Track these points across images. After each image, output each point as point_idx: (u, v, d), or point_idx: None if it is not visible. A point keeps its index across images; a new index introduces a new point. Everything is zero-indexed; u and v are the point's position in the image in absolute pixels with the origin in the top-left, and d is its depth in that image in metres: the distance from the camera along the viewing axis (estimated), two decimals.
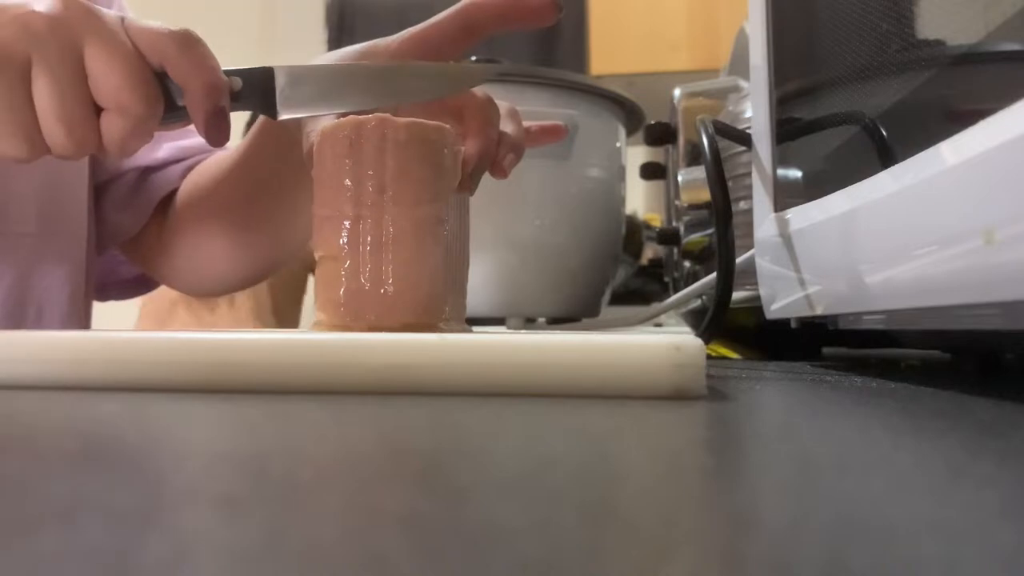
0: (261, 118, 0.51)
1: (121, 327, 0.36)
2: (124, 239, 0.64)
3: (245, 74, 0.41)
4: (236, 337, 0.29)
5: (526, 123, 0.48)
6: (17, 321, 0.57)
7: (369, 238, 0.36)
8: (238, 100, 0.41)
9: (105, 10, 0.39)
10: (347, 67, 0.43)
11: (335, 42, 2.68)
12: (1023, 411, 0.24)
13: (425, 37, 0.45)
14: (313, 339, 0.29)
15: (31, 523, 0.12)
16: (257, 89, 0.41)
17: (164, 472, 0.15)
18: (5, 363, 0.30)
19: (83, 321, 0.64)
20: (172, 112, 0.40)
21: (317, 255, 0.38)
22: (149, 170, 0.62)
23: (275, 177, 0.54)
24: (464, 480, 0.15)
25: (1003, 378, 0.37)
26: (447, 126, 0.39)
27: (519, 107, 0.69)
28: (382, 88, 0.42)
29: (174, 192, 0.62)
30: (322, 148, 0.38)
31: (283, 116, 0.42)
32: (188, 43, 0.40)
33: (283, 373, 0.29)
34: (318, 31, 2.73)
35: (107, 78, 0.38)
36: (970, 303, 0.23)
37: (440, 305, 0.37)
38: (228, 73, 0.41)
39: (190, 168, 0.62)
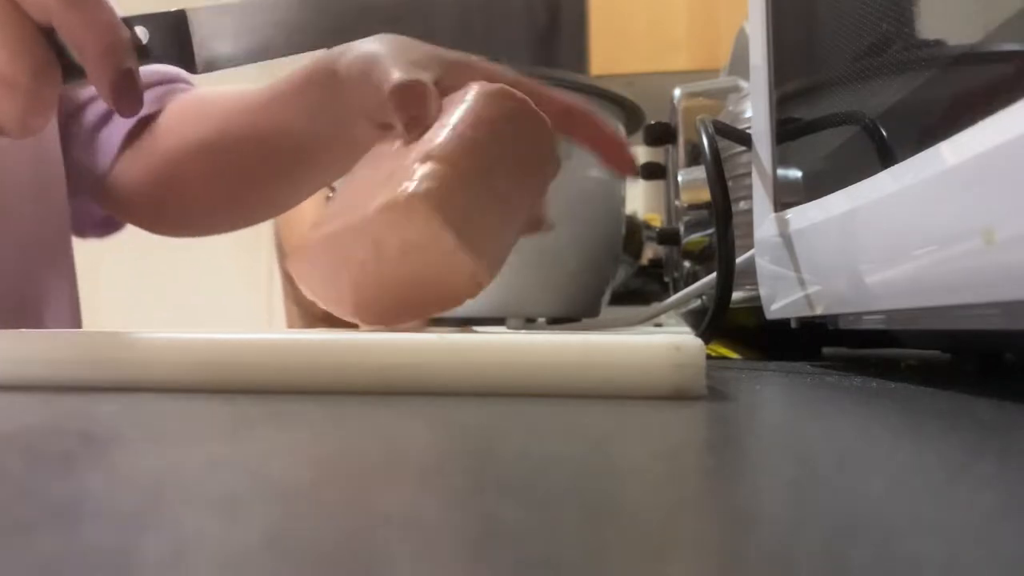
0: (309, 61, 0.43)
1: (121, 327, 0.35)
2: (93, 180, 0.57)
3: (152, 21, 0.35)
4: (236, 337, 0.29)
5: None
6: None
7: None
8: (147, 55, 0.35)
9: None
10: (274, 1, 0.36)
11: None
12: (1023, 411, 0.24)
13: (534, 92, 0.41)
14: (313, 339, 0.29)
15: (31, 523, 0.12)
16: (169, 38, 0.35)
17: (164, 472, 0.15)
18: (5, 363, 0.30)
19: (70, 271, 0.59)
20: (73, 74, 0.34)
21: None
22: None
23: (311, 141, 0.47)
24: (464, 480, 0.15)
25: (1003, 378, 0.37)
26: None
27: None
28: (317, 26, 0.36)
29: (147, 124, 0.55)
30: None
31: (202, 70, 0.36)
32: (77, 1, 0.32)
33: (283, 373, 0.29)
34: None
35: None
36: (970, 303, 0.23)
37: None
38: (130, 22, 0.35)
39: (164, 96, 0.55)
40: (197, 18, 0.35)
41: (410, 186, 0.34)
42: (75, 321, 0.62)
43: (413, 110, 0.37)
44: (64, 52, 0.34)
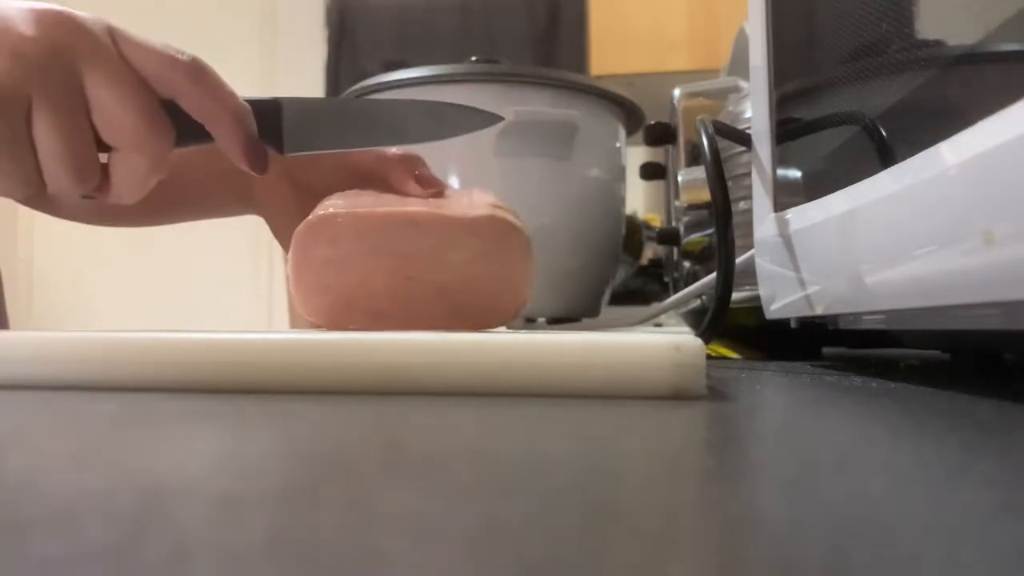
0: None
1: (121, 327, 0.35)
2: None
3: (252, 104, 0.39)
4: (236, 337, 0.29)
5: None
6: None
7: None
8: None
9: (88, 17, 0.36)
10: (355, 104, 0.42)
11: (335, 43, 2.69)
12: (1023, 411, 0.24)
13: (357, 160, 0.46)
14: (313, 339, 0.29)
15: (31, 523, 0.12)
16: (263, 121, 0.39)
17: (164, 472, 0.15)
18: (5, 363, 0.30)
19: None
20: (180, 141, 0.38)
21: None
22: None
23: (202, 189, 0.53)
24: (464, 480, 0.15)
25: (1003, 378, 0.37)
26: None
27: (519, 107, 0.69)
28: (386, 128, 0.41)
29: None
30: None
31: (289, 151, 0.40)
32: (201, 74, 0.37)
33: (283, 373, 0.29)
34: (318, 32, 2.73)
35: (119, 118, 0.35)
36: (970, 303, 0.23)
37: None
38: None
39: None
40: (288, 108, 0.40)
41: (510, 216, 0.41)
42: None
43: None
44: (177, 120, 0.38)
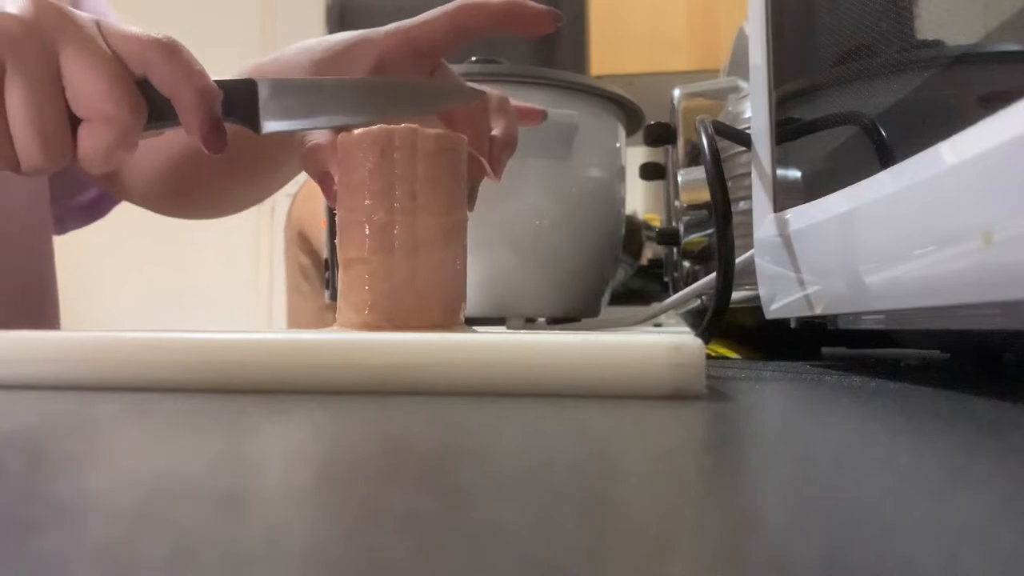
0: None
1: (121, 327, 0.35)
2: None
3: (226, 85, 0.40)
4: (236, 337, 0.29)
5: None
6: None
7: (397, 243, 0.37)
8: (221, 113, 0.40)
9: (79, 12, 0.38)
10: (331, 82, 0.42)
11: None
12: (1023, 411, 0.24)
13: (415, 36, 0.45)
14: (313, 339, 0.29)
15: (31, 523, 0.12)
16: (239, 101, 0.40)
17: (164, 472, 0.15)
18: (5, 363, 0.30)
19: (48, 259, 0.63)
20: (152, 121, 0.39)
21: (343, 257, 0.38)
22: None
23: (252, 152, 0.54)
24: (464, 480, 0.15)
25: (1003, 378, 0.37)
26: (465, 137, 0.40)
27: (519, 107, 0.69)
28: (365, 104, 0.42)
29: None
30: (350, 153, 0.38)
31: (266, 130, 0.41)
32: (172, 50, 0.38)
33: (283, 373, 0.29)
34: (318, 31, 2.73)
35: (89, 87, 0.36)
36: (969, 303, 0.23)
37: (461, 305, 0.39)
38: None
39: None
40: (263, 87, 0.41)
41: None
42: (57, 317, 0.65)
43: (321, 168, 0.42)
44: (151, 102, 0.38)
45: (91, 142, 0.37)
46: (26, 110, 0.35)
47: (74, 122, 0.37)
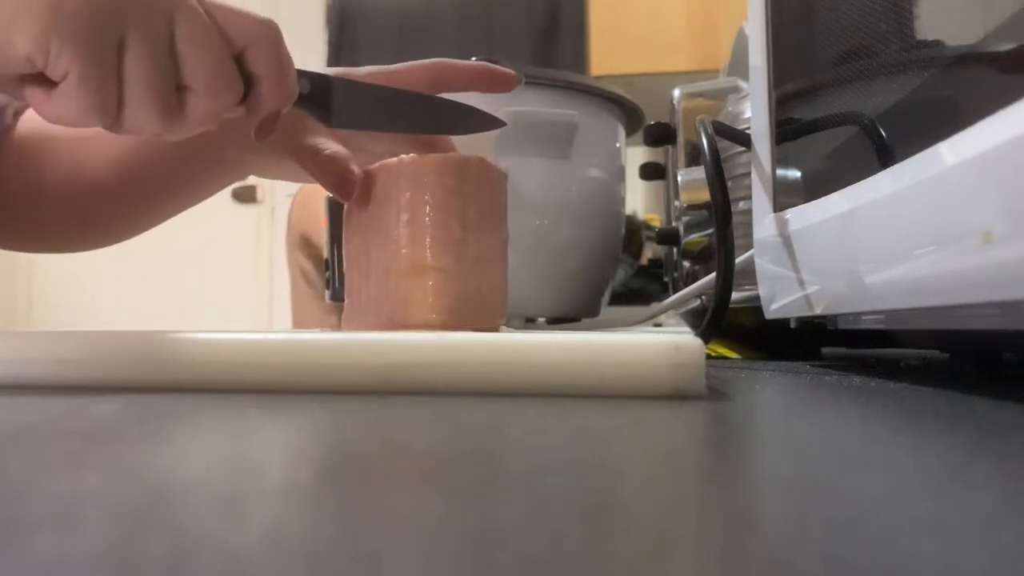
0: None
1: (121, 327, 0.35)
2: None
3: (306, 76, 0.42)
4: (236, 337, 0.29)
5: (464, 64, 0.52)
6: None
7: (471, 255, 0.43)
8: (298, 101, 0.42)
9: None
10: (396, 92, 0.46)
11: (335, 43, 2.68)
12: (1023, 411, 0.24)
13: (396, 80, 0.48)
14: (313, 339, 0.29)
15: (31, 523, 0.12)
16: (316, 95, 0.43)
17: (164, 472, 0.15)
18: (5, 363, 0.30)
19: None
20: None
21: (410, 263, 0.43)
22: None
23: (178, 174, 0.54)
24: (464, 480, 0.15)
25: (1003, 378, 0.37)
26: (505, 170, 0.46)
27: (519, 107, 0.70)
28: (421, 118, 0.46)
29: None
30: (425, 174, 0.43)
31: (335, 126, 0.44)
32: (279, 35, 0.40)
33: (283, 373, 0.29)
34: (318, 31, 2.73)
35: (200, 59, 0.38)
36: (969, 303, 0.23)
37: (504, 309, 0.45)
38: (298, 74, 0.42)
39: (17, 113, 0.57)
40: (337, 84, 0.44)
41: None
42: None
43: (337, 176, 0.46)
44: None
45: (191, 111, 0.39)
46: (149, 77, 0.37)
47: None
